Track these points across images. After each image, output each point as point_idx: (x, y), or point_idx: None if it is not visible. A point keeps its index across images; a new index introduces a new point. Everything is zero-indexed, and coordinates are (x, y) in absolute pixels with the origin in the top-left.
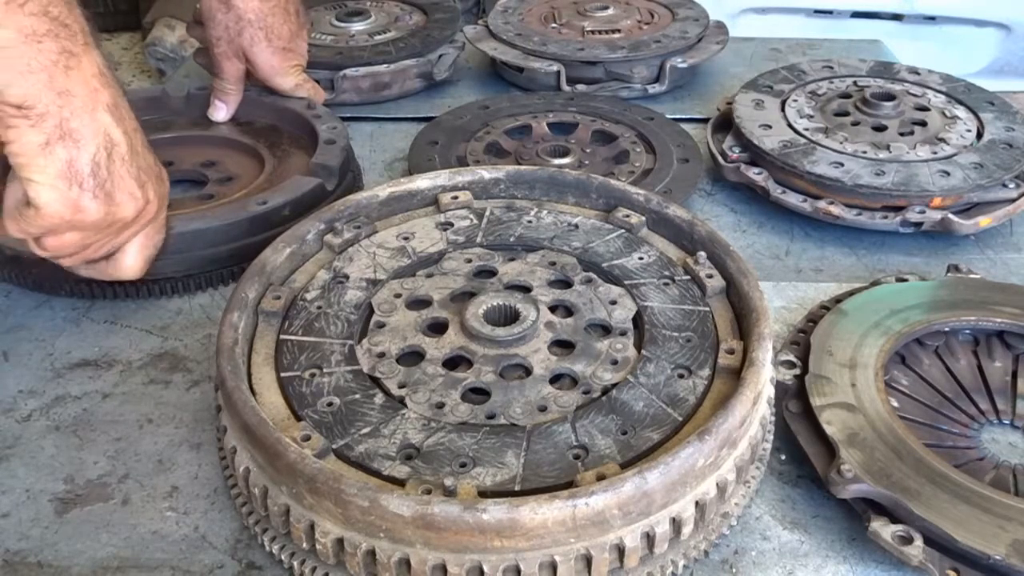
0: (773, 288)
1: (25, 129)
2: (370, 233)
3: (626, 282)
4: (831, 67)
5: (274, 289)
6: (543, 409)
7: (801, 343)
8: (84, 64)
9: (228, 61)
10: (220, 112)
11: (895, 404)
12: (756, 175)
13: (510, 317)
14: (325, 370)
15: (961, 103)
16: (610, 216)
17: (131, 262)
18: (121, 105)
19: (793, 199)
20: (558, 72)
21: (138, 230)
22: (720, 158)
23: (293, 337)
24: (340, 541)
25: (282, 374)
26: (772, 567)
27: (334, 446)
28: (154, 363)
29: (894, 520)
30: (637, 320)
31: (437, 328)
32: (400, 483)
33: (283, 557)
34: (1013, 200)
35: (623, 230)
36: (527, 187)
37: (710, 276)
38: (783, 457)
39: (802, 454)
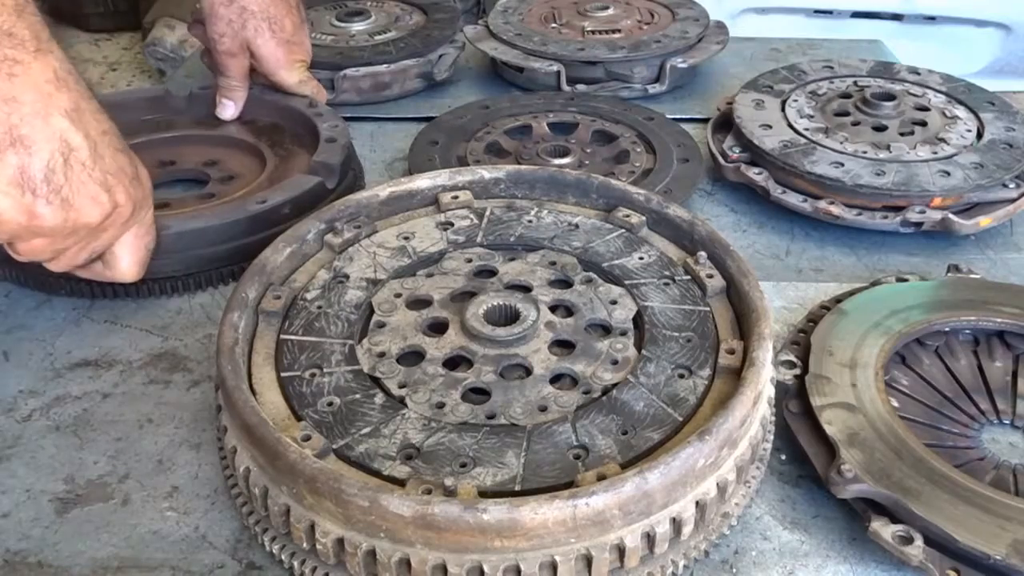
0: (773, 288)
1: None
2: (370, 233)
3: (626, 282)
4: (831, 67)
5: (274, 289)
6: (543, 409)
7: (801, 343)
8: (34, 70)
9: (232, 57)
10: (228, 110)
11: (895, 404)
12: (756, 175)
13: (510, 317)
14: (325, 370)
15: (961, 103)
16: (610, 216)
17: (124, 265)
18: (84, 109)
19: (793, 199)
20: (558, 72)
21: (117, 233)
22: (720, 158)
23: (293, 337)
24: (340, 541)
25: (282, 374)
26: (772, 567)
27: (334, 446)
28: (154, 363)
29: (894, 520)
30: (637, 320)
31: (437, 328)
32: (400, 483)
33: (283, 557)
34: (1013, 200)
35: (623, 230)
36: (527, 187)
37: (710, 276)
38: (783, 457)
39: (802, 454)
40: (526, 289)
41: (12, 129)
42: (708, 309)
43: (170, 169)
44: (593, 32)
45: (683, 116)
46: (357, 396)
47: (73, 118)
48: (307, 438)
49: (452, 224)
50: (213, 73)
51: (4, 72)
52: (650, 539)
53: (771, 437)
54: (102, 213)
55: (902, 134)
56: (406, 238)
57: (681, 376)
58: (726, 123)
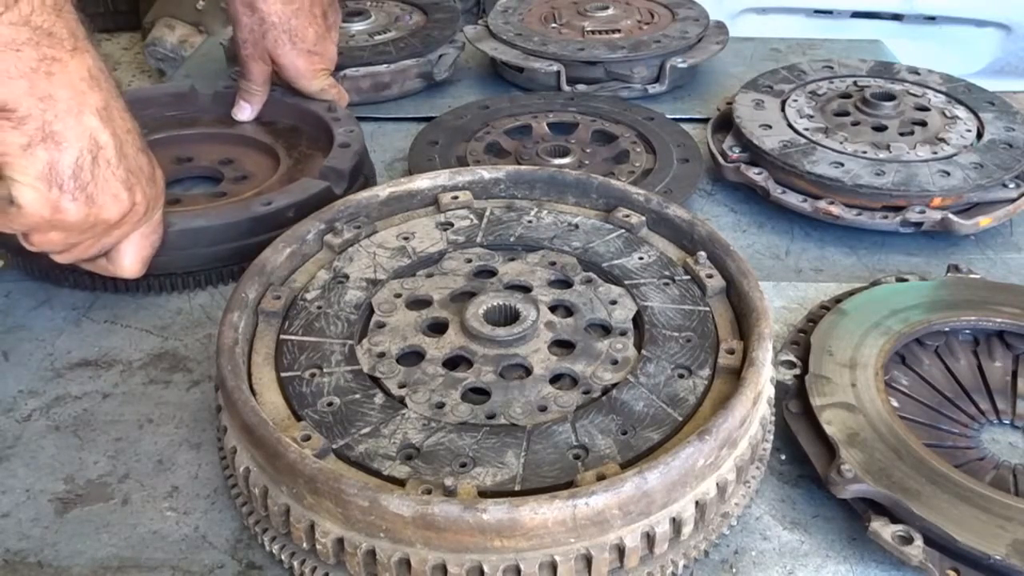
0: (773, 288)
1: (8, 130)
2: (370, 233)
3: (626, 282)
4: (831, 67)
5: (274, 289)
6: (543, 409)
7: (801, 343)
8: (71, 69)
9: (254, 62)
10: (244, 112)
11: (895, 404)
12: (756, 175)
13: (510, 317)
14: (325, 370)
15: (961, 103)
16: (610, 216)
17: (128, 262)
18: (113, 107)
19: (793, 199)
20: (558, 72)
21: (128, 231)
22: (720, 158)
23: (293, 337)
24: (340, 541)
25: (282, 374)
26: (772, 567)
27: (334, 446)
28: (154, 363)
29: (894, 520)
30: (637, 320)
31: (437, 328)
32: (400, 483)
33: (283, 557)
34: (1013, 200)
35: (623, 230)
36: (527, 187)
37: (710, 276)
38: (783, 457)
39: (802, 454)
40: (526, 289)
41: (45, 125)
42: (708, 309)
43: (187, 166)
44: (593, 32)
45: (683, 116)
46: (357, 396)
47: (103, 116)
48: (307, 438)
49: (452, 224)
50: (232, 74)
51: (43, 71)
52: (650, 539)
53: (771, 437)
54: (121, 211)
55: (902, 134)
56: (406, 238)
57: (681, 376)
58: (726, 123)
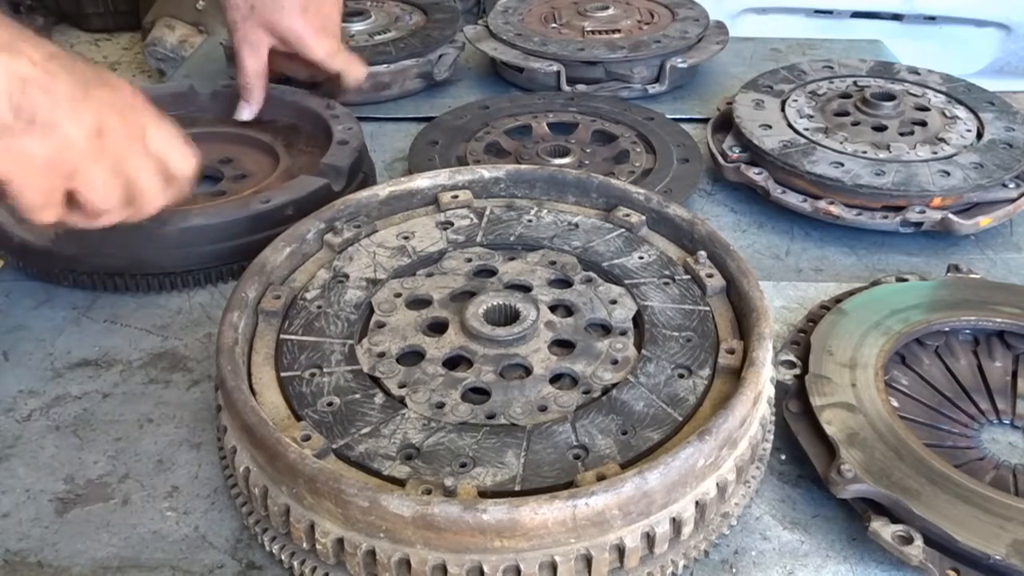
0: (773, 288)
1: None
2: (370, 232)
3: (626, 281)
4: (831, 67)
5: (274, 288)
6: (543, 409)
7: (801, 343)
8: None
9: (247, 47)
10: (244, 111)
11: (895, 404)
12: (756, 175)
13: (510, 317)
14: (325, 370)
15: (961, 103)
16: (610, 215)
17: (175, 165)
18: (21, 40)
19: (793, 199)
20: (558, 72)
21: (132, 151)
22: (720, 158)
23: (293, 337)
24: (340, 541)
25: (282, 374)
26: (772, 567)
27: (334, 446)
28: (154, 363)
29: (894, 520)
30: (637, 320)
31: (437, 328)
32: (400, 483)
33: (283, 557)
34: (1013, 200)
35: (623, 229)
36: (527, 186)
37: (710, 276)
38: (783, 457)
39: (802, 454)
40: (526, 289)
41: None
42: (708, 309)
43: None
44: (593, 32)
45: (683, 116)
46: (357, 396)
47: (11, 50)
48: (307, 438)
49: (452, 223)
50: (232, 76)
51: None
52: (650, 539)
53: (771, 437)
54: (89, 129)
55: (902, 134)
56: (406, 238)
57: (681, 376)
58: (726, 123)
